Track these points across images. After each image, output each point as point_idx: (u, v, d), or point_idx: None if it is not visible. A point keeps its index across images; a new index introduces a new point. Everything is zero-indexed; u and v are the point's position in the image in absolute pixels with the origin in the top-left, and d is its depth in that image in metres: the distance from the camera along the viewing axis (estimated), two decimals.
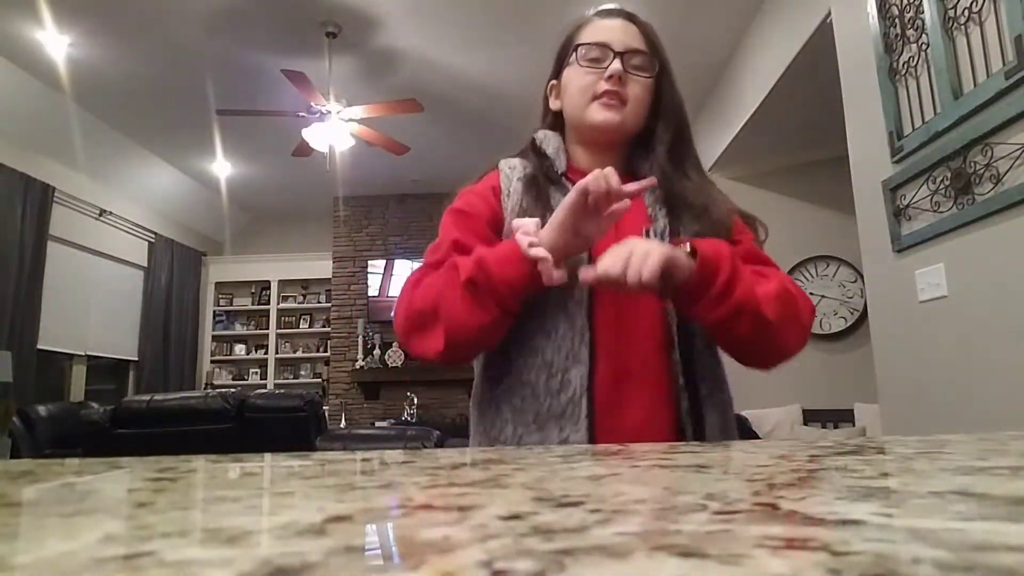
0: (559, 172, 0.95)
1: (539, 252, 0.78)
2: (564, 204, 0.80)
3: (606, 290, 0.84)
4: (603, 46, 0.92)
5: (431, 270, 0.87)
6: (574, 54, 0.95)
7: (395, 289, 6.64)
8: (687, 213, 0.90)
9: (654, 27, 0.98)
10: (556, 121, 1.02)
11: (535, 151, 0.99)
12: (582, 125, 0.96)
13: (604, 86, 0.91)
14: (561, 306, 0.86)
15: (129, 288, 6.20)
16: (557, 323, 0.86)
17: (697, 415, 0.85)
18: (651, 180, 0.85)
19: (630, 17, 0.97)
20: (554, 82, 1.01)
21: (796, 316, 0.85)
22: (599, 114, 0.92)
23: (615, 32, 0.94)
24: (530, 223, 0.83)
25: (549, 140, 0.99)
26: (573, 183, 0.85)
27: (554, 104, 1.01)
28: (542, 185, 0.93)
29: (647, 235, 0.88)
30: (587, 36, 0.95)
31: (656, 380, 0.86)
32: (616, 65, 0.91)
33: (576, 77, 0.95)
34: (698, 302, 0.80)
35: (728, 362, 0.92)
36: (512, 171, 0.96)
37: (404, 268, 6.67)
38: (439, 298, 0.82)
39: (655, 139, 0.95)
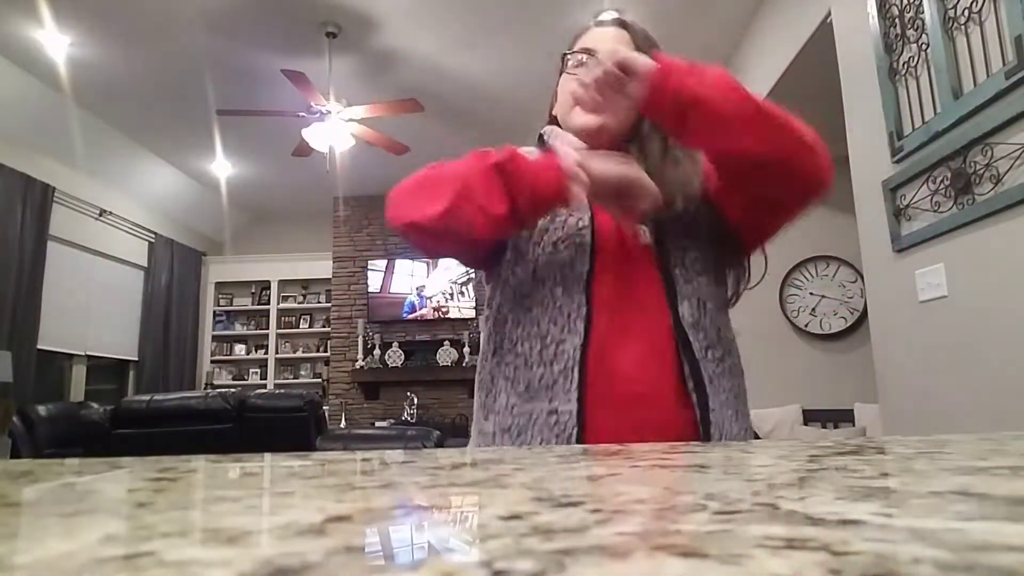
0: None
1: (577, 171, 0.80)
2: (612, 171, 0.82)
3: (607, 256, 0.89)
4: (588, 53, 0.95)
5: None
6: (563, 63, 0.99)
7: (395, 288, 6.63)
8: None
9: (653, 30, 1.00)
10: None
11: (542, 146, 1.01)
12: (568, 131, 0.98)
13: None
14: (560, 279, 0.89)
15: (129, 288, 6.20)
16: (556, 295, 0.89)
17: (700, 382, 0.86)
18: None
19: (623, 24, 0.99)
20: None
21: (790, 127, 0.81)
22: (578, 119, 0.95)
23: (604, 39, 0.96)
24: (572, 151, 0.85)
25: (556, 134, 1.01)
26: None
27: (555, 111, 1.04)
28: None
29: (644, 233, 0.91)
30: (578, 45, 0.99)
31: (656, 350, 0.87)
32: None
33: (564, 84, 0.99)
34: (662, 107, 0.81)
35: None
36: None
37: (404, 268, 6.66)
38: (458, 170, 0.83)
39: (646, 135, 0.97)
